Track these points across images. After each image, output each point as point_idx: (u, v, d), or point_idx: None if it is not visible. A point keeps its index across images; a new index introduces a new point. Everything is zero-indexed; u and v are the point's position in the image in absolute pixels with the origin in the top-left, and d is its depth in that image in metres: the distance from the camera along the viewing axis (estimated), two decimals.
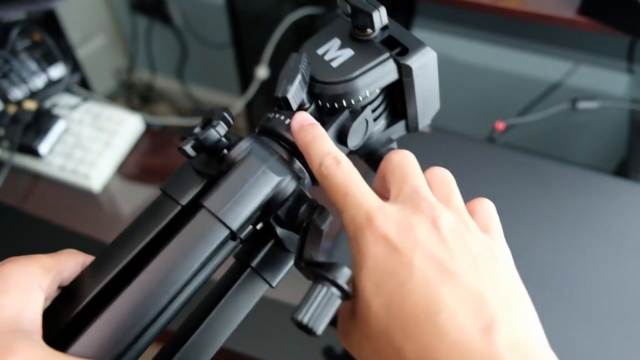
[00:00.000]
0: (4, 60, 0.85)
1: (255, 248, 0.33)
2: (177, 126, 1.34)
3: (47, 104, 0.86)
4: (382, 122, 0.36)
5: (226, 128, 0.30)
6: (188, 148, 0.30)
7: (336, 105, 0.32)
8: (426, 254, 0.26)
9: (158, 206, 0.31)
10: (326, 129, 0.32)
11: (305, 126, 0.31)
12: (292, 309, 0.25)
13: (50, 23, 0.98)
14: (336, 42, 0.33)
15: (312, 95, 0.33)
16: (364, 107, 0.33)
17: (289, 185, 0.31)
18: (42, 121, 0.80)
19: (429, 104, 0.35)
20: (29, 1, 0.88)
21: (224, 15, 1.27)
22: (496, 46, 1.07)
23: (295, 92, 0.30)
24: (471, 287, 0.25)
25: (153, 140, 0.87)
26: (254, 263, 0.33)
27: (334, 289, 0.25)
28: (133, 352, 0.28)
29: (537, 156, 0.78)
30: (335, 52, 0.33)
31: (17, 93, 0.84)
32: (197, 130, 0.31)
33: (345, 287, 0.25)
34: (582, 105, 0.87)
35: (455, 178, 0.31)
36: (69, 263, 0.29)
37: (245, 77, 1.30)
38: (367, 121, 0.34)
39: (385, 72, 0.32)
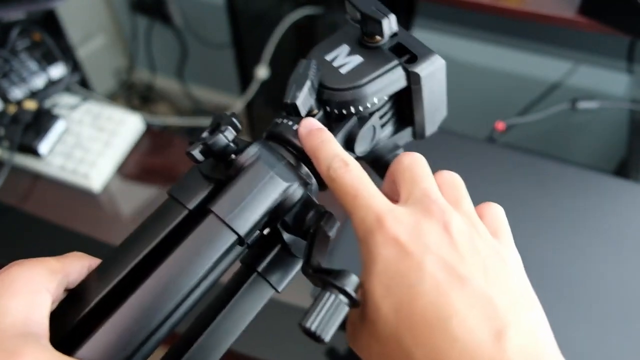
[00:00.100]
0: (4, 60, 0.85)
1: (262, 253, 0.33)
2: (177, 126, 1.34)
3: (47, 103, 0.86)
4: (389, 128, 0.36)
5: (234, 133, 0.30)
6: (196, 153, 0.30)
7: (344, 111, 0.32)
8: (437, 258, 0.26)
9: (165, 210, 0.31)
10: (334, 135, 0.31)
11: (314, 131, 0.31)
12: (298, 311, 0.25)
13: (50, 23, 0.98)
14: (345, 48, 0.33)
15: (321, 101, 0.33)
16: (371, 114, 0.33)
17: (297, 191, 0.31)
18: (42, 121, 0.80)
19: (437, 111, 0.35)
20: (29, 1, 0.88)
21: (224, 15, 1.26)
22: (496, 46, 1.07)
23: (304, 99, 0.30)
24: (481, 291, 0.25)
25: (153, 140, 0.87)
26: (260, 268, 0.33)
27: (342, 297, 0.25)
28: (139, 355, 0.28)
29: (537, 156, 0.78)
30: (344, 59, 0.33)
31: (17, 93, 0.84)
32: (205, 135, 0.31)
33: (354, 294, 0.25)
34: (582, 105, 0.87)
35: None
36: (76, 266, 0.29)
37: (245, 77, 1.30)
38: (374, 128, 0.34)
39: (393, 80, 0.32)
